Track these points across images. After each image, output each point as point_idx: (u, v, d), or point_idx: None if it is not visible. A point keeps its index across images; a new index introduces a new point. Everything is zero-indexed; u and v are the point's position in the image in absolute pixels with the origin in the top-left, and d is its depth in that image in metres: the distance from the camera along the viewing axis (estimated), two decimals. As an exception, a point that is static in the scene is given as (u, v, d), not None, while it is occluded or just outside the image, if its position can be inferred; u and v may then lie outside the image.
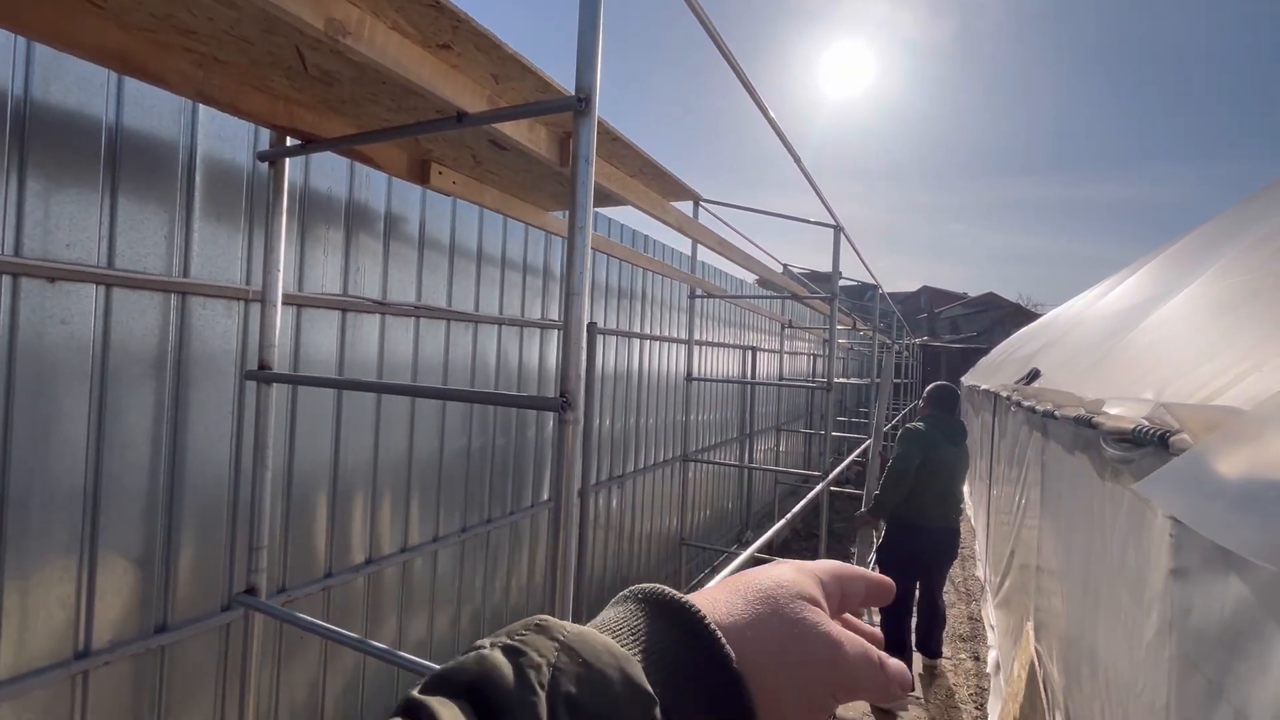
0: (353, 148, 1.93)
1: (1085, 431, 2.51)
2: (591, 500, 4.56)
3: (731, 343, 7.35)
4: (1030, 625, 3.87)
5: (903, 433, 4.76)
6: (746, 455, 8.11)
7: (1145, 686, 1.76)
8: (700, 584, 6.39)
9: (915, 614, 4.93)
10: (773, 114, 2.95)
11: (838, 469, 5.39)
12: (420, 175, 2.24)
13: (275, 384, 2.00)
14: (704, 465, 6.61)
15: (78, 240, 1.80)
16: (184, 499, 2.09)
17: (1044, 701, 2.98)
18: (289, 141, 1.94)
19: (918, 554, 4.71)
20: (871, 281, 8.07)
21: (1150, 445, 1.60)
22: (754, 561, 7.41)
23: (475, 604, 3.47)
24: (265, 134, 2.21)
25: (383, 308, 2.78)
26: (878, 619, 4.81)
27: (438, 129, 1.63)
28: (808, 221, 4.84)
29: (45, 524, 1.76)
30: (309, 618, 1.87)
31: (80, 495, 1.83)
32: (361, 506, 2.75)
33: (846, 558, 8.73)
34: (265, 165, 2.08)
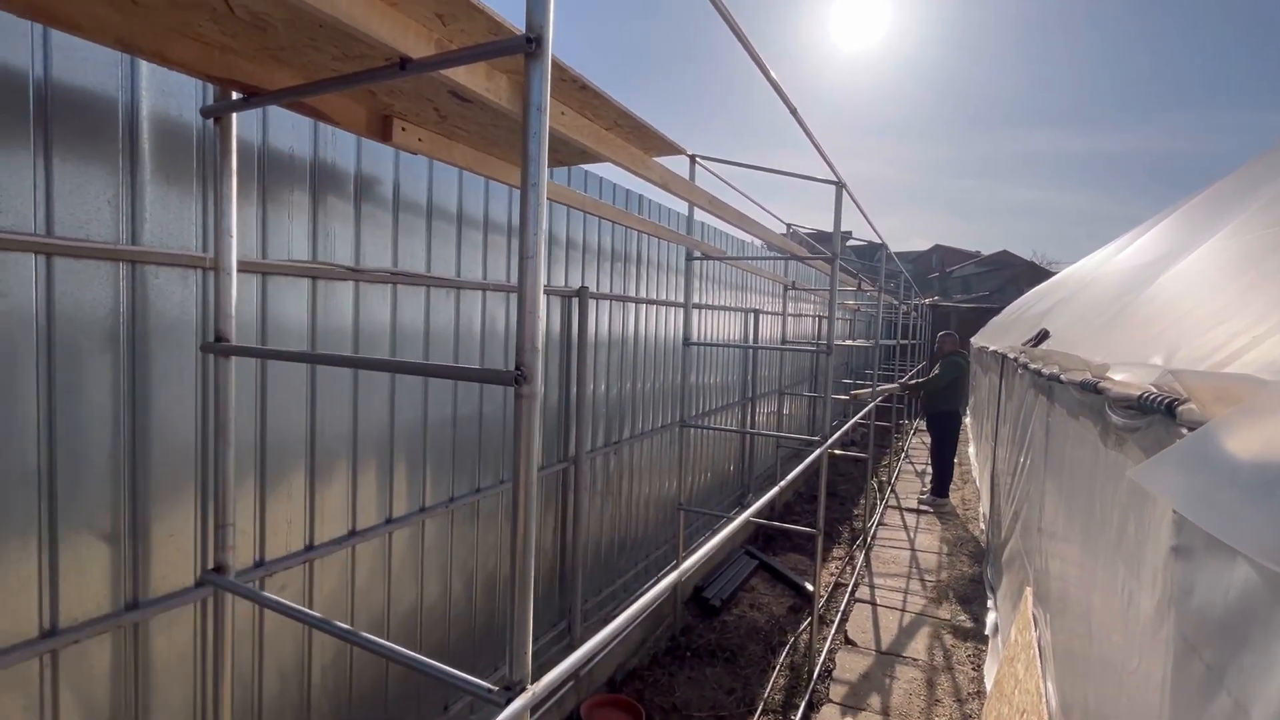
0: (299, 101, 1.79)
1: (1090, 397, 2.39)
2: (587, 466, 4.51)
3: (733, 306, 7.20)
4: (1030, 590, 3.82)
5: (946, 362, 9.07)
6: (748, 420, 8.05)
7: (1140, 664, 1.68)
8: (696, 548, 6.41)
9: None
10: (769, 68, 2.76)
11: (838, 433, 5.31)
12: (382, 132, 2.09)
13: (233, 356, 1.91)
14: (704, 430, 6.55)
15: (11, 206, 1.69)
16: (149, 475, 2.03)
17: (1038, 668, 2.94)
18: (234, 96, 1.81)
19: (956, 427, 9.32)
20: (881, 241, 7.84)
21: (1157, 414, 1.48)
22: (753, 528, 7.40)
23: (467, 574, 3.46)
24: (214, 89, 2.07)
25: (356, 274, 2.67)
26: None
27: (381, 78, 1.49)
28: (808, 178, 4.64)
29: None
30: (273, 596, 1.82)
31: (34, 475, 1.76)
32: (342, 478, 2.70)
33: (849, 515, 8.74)
34: (208, 123, 1.94)
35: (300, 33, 1.50)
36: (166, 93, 2.00)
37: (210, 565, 1.93)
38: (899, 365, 16.55)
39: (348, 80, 1.57)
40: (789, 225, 8.80)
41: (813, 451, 4.66)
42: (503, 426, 3.63)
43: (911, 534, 8.21)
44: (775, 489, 3.56)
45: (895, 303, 12.00)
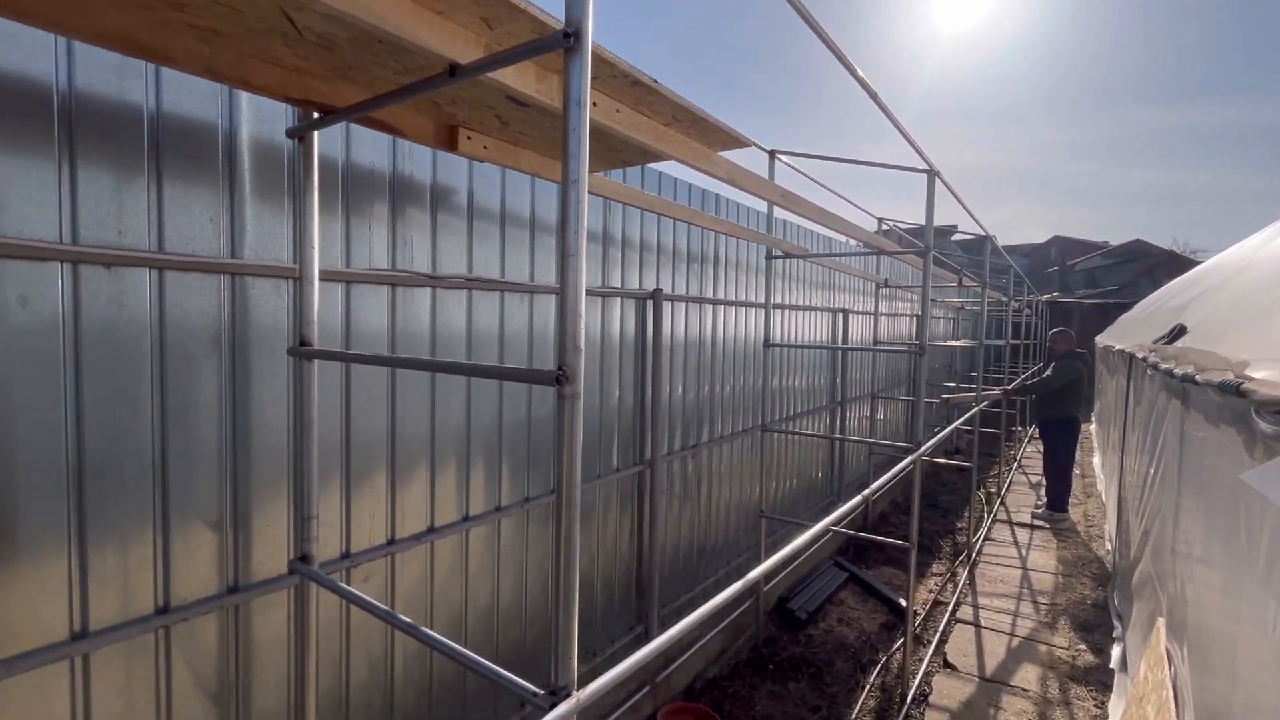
0: (370, 116, 1.88)
1: (1232, 400, 2.06)
2: (664, 469, 4.47)
3: (818, 305, 6.92)
4: (1162, 621, 3.36)
5: (1060, 363, 8.32)
6: (837, 425, 7.69)
7: (1296, 719, 1.41)
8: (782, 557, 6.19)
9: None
10: (846, 55, 2.61)
11: (933, 440, 4.94)
12: (449, 142, 2.17)
13: (316, 360, 2.04)
14: (787, 435, 6.32)
15: (129, 227, 1.89)
16: (249, 470, 2.21)
17: (1172, 712, 2.57)
18: (313, 116, 1.93)
19: (1073, 434, 8.56)
20: (985, 234, 7.26)
21: (1310, 421, 1.24)
22: (843, 540, 7.04)
23: (542, 574, 3.52)
24: (297, 111, 2.23)
25: (433, 281, 2.78)
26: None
27: (433, 86, 1.53)
28: (897, 168, 4.36)
29: (121, 494, 1.90)
30: (345, 585, 1.92)
31: (149, 468, 1.96)
32: (421, 476, 2.82)
33: (951, 528, 8.13)
34: (294, 143, 2.09)
35: (363, 50, 1.57)
36: (259, 118, 2.17)
37: (297, 555, 2.07)
38: (1011, 367, 15.26)
39: (406, 91, 1.63)
40: (881, 220, 8.35)
41: (917, 463, 4.36)
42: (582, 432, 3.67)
43: (1023, 551, 7.51)
44: (858, 497, 3.35)
45: (1004, 299, 11.06)
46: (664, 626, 4.56)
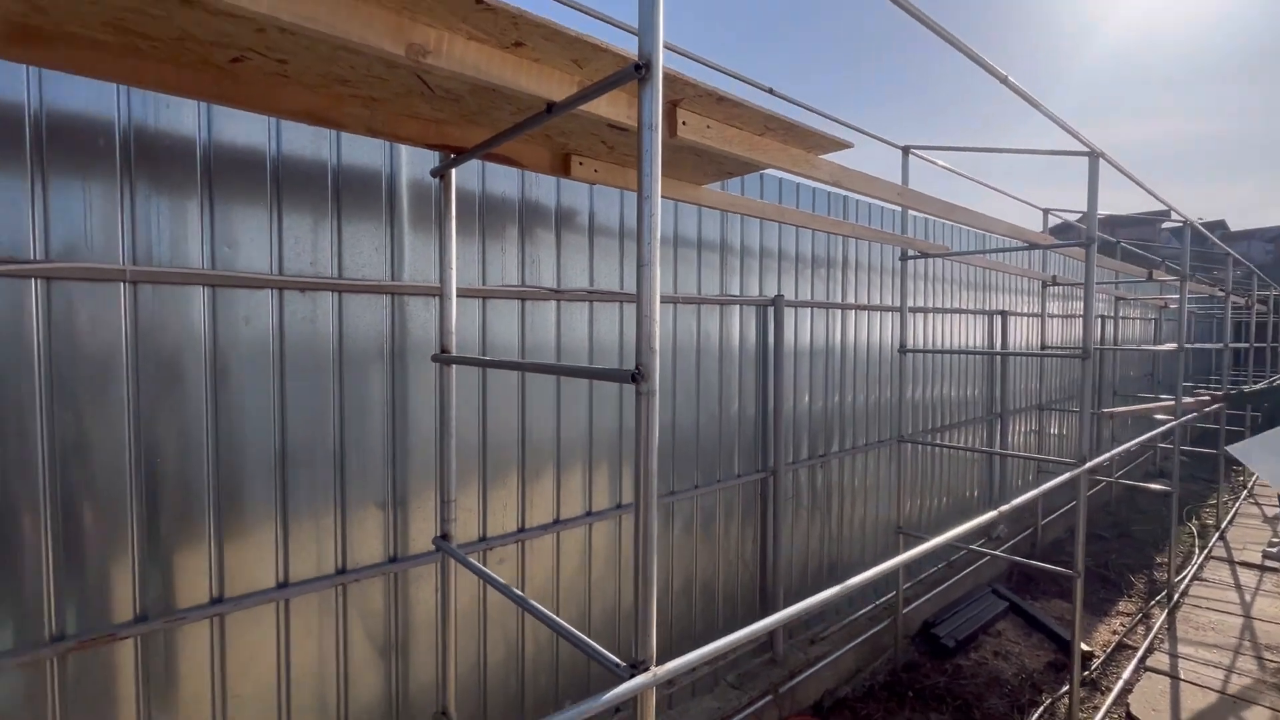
0: (492, 151, 2.17)
1: None
2: (788, 478, 4.42)
3: (968, 308, 6.37)
4: None
5: None
6: (995, 438, 6.98)
7: None
8: (928, 580, 5.77)
9: None
10: (959, 38, 2.48)
11: (1104, 455, 4.34)
12: (563, 168, 2.41)
13: (454, 365, 2.37)
14: (930, 448, 5.88)
15: (318, 258, 2.36)
16: (406, 459, 2.61)
17: None
18: (451, 157, 2.27)
19: None
20: (1210, 219, 6.22)
21: None
22: (1004, 565, 6.35)
23: (662, 571, 3.66)
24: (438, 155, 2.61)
25: (557, 295, 3.07)
26: None
27: (537, 123, 1.75)
28: (1050, 153, 3.95)
29: (312, 477, 2.37)
30: (479, 565, 2.20)
31: (331, 455, 2.41)
32: (549, 473, 3.10)
33: (1147, 561, 6.97)
34: (437, 180, 2.45)
35: (482, 98, 1.84)
36: (414, 163, 2.58)
37: (439, 534, 2.41)
38: (1235, 375, 12.70)
39: (519, 128, 1.87)
40: (1047, 211, 7.48)
41: (1080, 481, 3.88)
42: (700, 435, 3.78)
43: (1247, 596, 6.23)
44: (992, 513, 3.08)
45: (1219, 293, 9.27)
46: (791, 638, 4.49)
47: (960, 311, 6.22)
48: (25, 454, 1.86)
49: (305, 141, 2.32)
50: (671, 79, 1.74)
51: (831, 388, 4.78)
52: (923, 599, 5.52)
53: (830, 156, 2.50)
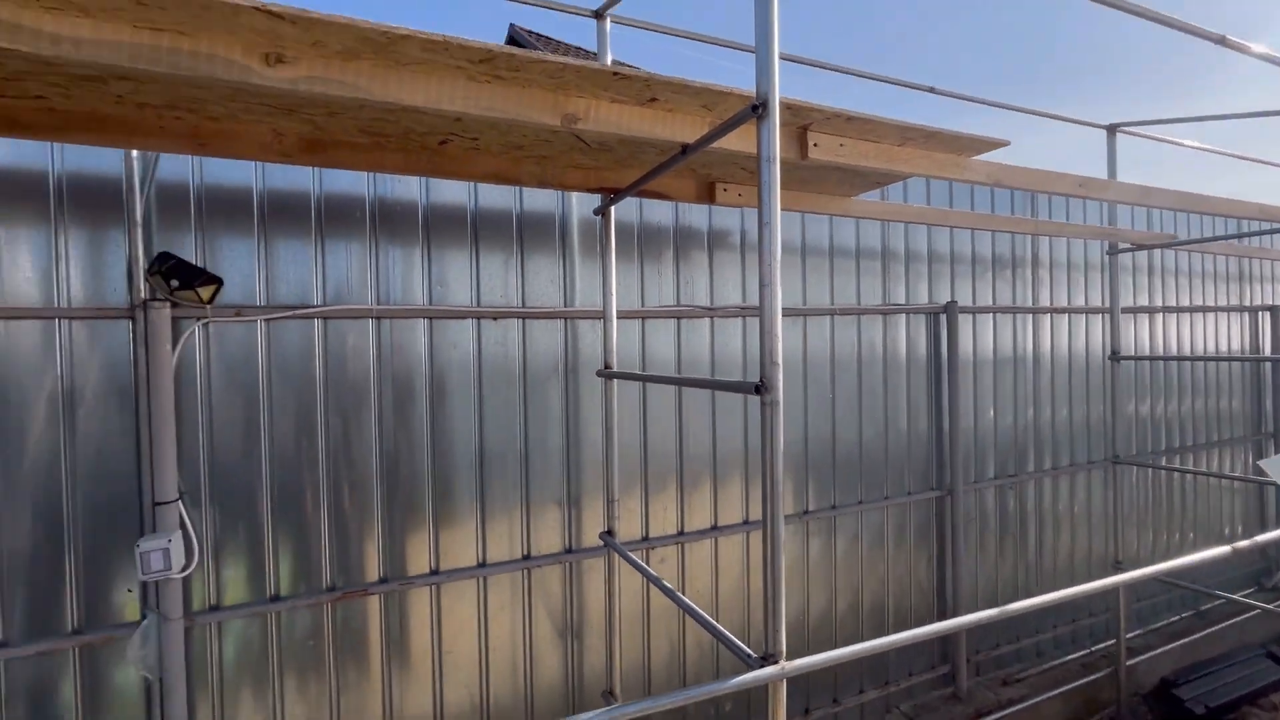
0: (643, 189, 2.44)
1: None
2: (971, 498, 4.08)
3: (1219, 304, 5.29)
4: None
5: None
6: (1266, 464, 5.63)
7: None
8: (1166, 630, 4.87)
9: None
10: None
11: None
12: (709, 195, 2.61)
13: (615, 379, 2.67)
14: (1163, 472, 4.96)
15: (505, 292, 2.82)
16: (579, 461, 2.97)
17: None
18: (609, 198, 2.59)
19: None
20: None
21: None
22: (1263, 620, 5.10)
23: (823, 584, 3.61)
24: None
25: (710, 312, 3.25)
26: None
27: (676, 163, 1.96)
28: (1315, 111, 3.23)
29: (503, 476, 2.82)
30: (640, 561, 2.44)
31: (517, 456, 2.84)
32: (706, 481, 3.27)
33: None
34: (598, 218, 2.79)
35: (629, 147, 2.11)
36: (580, 204, 2.96)
37: (605, 529, 2.70)
38: None
39: (662, 168, 2.11)
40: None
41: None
42: (858, 450, 3.69)
43: None
44: (1224, 548, 2.58)
45: None
46: (979, 675, 4.12)
47: (1204, 310, 5.19)
48: (312, 452, 2.51)
49: (495, 196, 2.80)
50: (797, 108, 1.85)
51: (1023, 401, 4.31)
52: (1157, 651, 4.66)
53: (989, 156, 2.37)
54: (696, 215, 3.24)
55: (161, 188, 2.30)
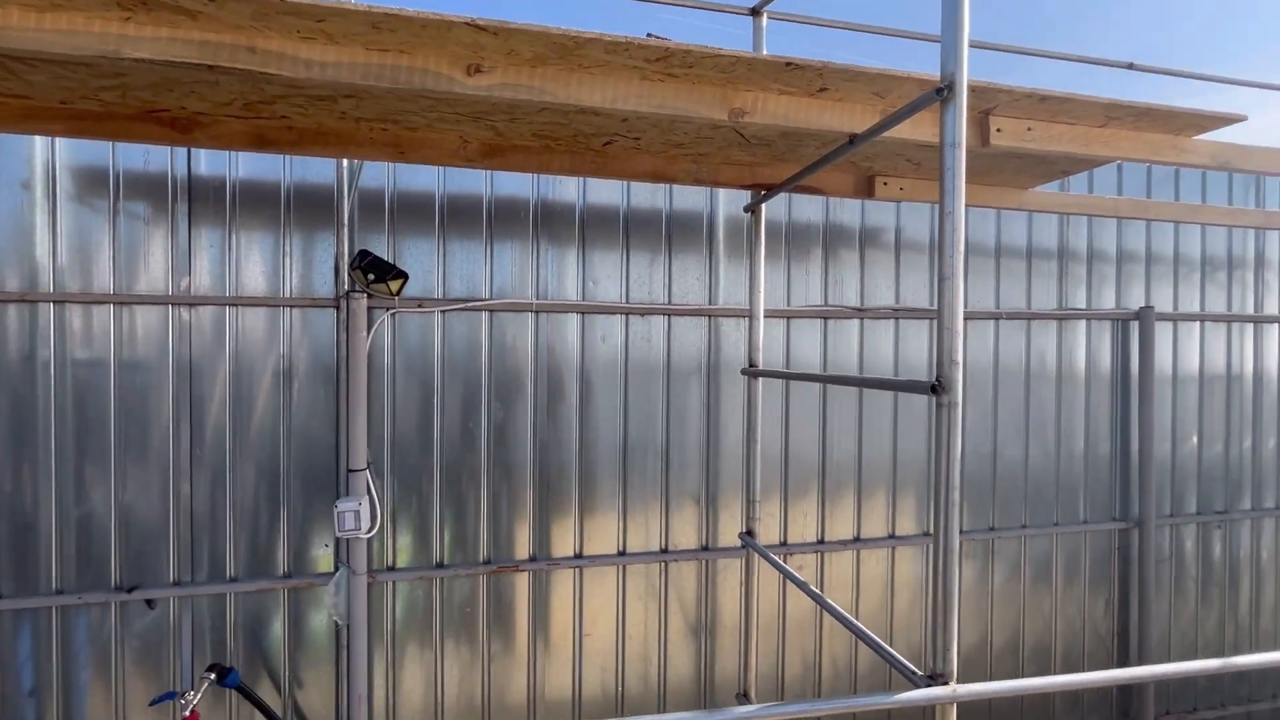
0: (799, 184, 2.38)
1: None
2: (1166, 535, 3.54)
3: None
4: None
5: None
6: None
7: None
8: None
9: None
10: None
11: None
12: (866, 190, 2.49)
13: (760, 377, 2.63)
14: None
15: (653, 288, 2.88)
16: (718, 460, 2.97)
17: None
18: (760, 194, 2.56)
19: None
20: None
21: None
22: None
23: (976, 611, 3.31)
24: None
25: (860, 313, 3.11)
26: None
27: (837, 156, 1.90)
28: None
29: (643, 469, 2.88)
30: (782, 563, 2.39)
31: (658, 451, 2.90)
32: (849, 492, 3.13)
33: None
34: (748, 215, 2.77)
35: (790, 140, 2.08)
36: (727, 203, 2.96)
37: (744, 529, 2.67)
38: None
39: (822, 161, 2.05)
40: None
41: None
42: (1023, 470, 3.34)
43: None
44: None
45: None
46: (1168, 741, 3.57)
47: None
48: (476, 434, 2.73)
49: (645, 195, 2.88)
50: (982, 90, 1.71)
51: (1237, 426, 3.67)
52: None
53: (1213, 135, 2.04)
54: (849, 213, 3.11)
55: (363, 194, 2.62)
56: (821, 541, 3.09)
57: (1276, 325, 3.73)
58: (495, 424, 2.74)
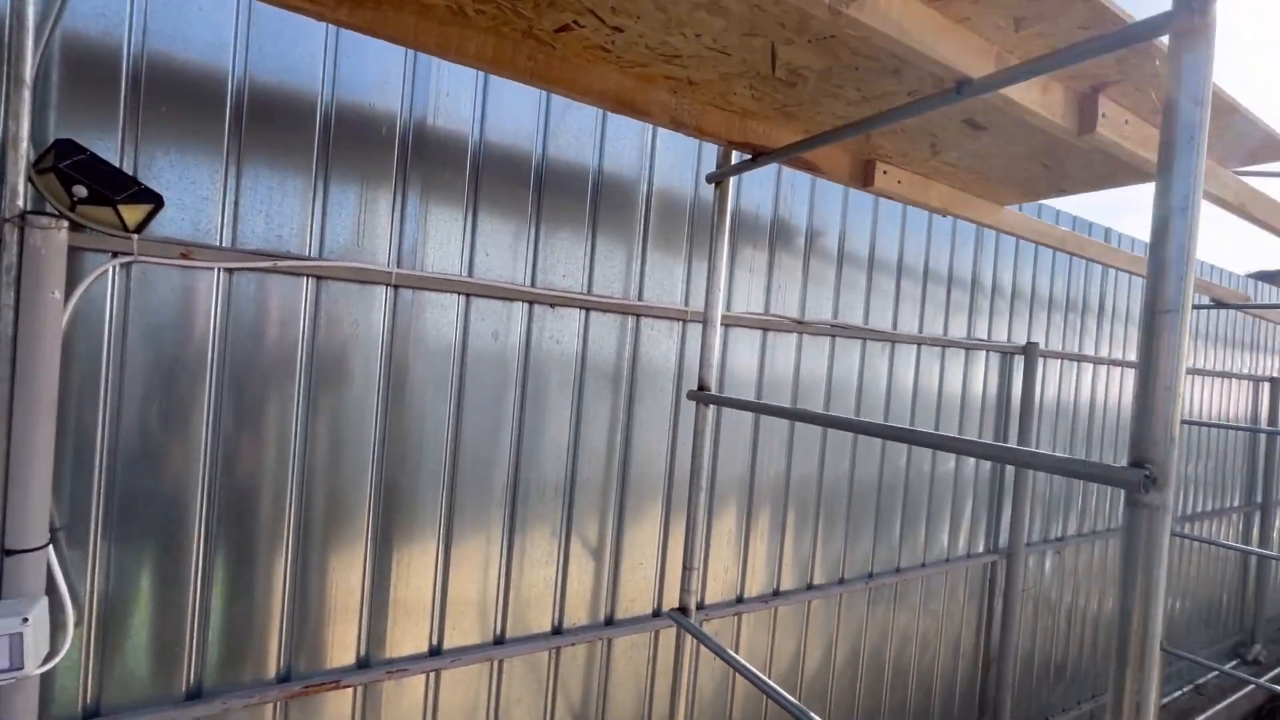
0: (799, 155, 1.78)
1: None
2: (1026, 563, 3.66)
3: (1232, 371, 5.19)
4: None
5: None
6: (1253, 532, 5.64)
7: None
8: (1175, 706, 4.65)
9: None
10: None
11: None
12: (863, 178, 1.98)
13: (712, 405, 1.99)
14: (1180, 540, 4.77)
15: (570, 272, 2.08)
16: (626, 500, 2.26)
17: None
18: (734, 160, 1.91)
19: None
20: None
21: None
22: (1262, 699, 5.05)
23: (879, 659, 3.06)
24: (708, 162, 2.28)
25: (800, 327, 2.63)
26: None
27: (927, 108, 1.32)
28: None
29: (539, 516, 2.07)
30: (721, 645, 1.77)
31: (560, 488, 2.10)
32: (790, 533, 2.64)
33: None
34: (710, 188, 2.11)
35: (829, 82, 1.45)
36: (673, 168, 2.26)
37: (677, 607, 2.02)
38: None
39: (868, 124, 1.45)
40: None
41: None
42: (927, 499, 3.17)
43: None
44: None
45: None
46: (1008, 758, 3.68)
47: (1227, 375, 5.07)
48: (283, 474, 1.68)
49: (572, 139, 2.05)
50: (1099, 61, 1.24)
51: (1076, 453, 3.95)
52: (1167, 731, 4.42)
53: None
54: (797, 207, 2.60)
55: (78, 41, 1.43)
56: (740, 600, 2.56)
57: (1100, 365, 4.08)
58: (309, 457, 1.72)
